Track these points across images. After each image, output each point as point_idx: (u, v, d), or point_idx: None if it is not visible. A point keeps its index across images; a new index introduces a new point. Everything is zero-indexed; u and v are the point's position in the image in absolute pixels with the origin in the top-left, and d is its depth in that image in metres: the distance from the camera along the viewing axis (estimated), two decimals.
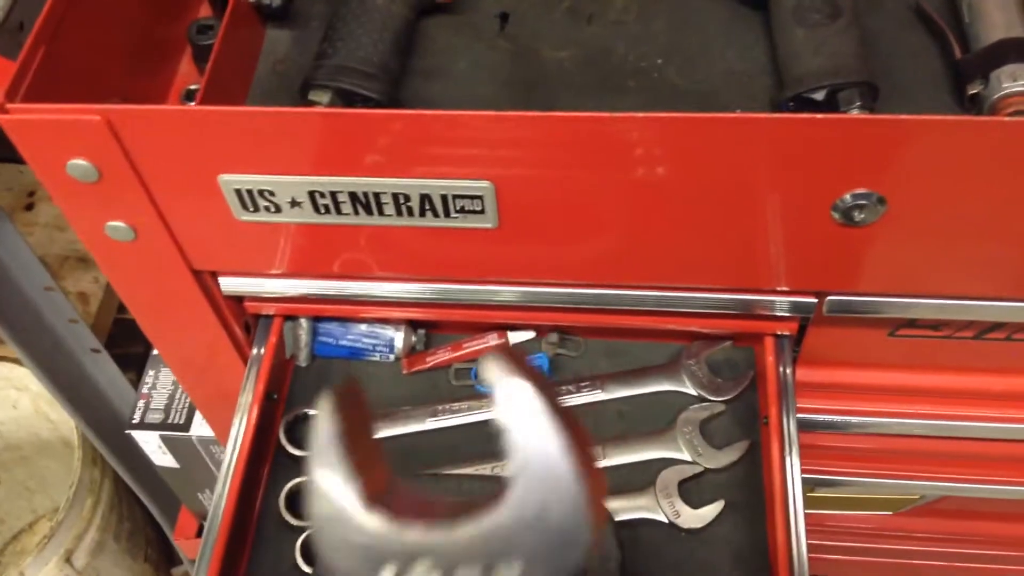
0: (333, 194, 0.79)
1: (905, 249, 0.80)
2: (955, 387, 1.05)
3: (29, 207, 1.93)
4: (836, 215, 0.76)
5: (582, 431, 0.39)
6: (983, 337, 0.94)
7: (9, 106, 0.72)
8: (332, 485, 0.39)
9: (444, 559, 0.39)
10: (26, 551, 1.69)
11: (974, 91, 0.85)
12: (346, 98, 0.87)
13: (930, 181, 0.73)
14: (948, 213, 0.76)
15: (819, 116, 0.69)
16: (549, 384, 0.39)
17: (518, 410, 0.39)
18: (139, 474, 1.74)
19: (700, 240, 0.83)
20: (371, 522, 0.39)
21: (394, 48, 0.90)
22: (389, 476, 0.42)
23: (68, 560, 1.74)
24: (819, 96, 0.84)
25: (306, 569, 0.91)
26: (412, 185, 0.77)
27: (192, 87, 0.94)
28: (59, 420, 1.95)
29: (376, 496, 0.40)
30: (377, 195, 0.78)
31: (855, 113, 0.81)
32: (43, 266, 1.38)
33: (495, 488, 0.41)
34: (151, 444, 1.37)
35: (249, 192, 0.79)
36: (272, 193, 0.79)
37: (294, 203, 0.80)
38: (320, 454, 0.40)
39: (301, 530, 0.94)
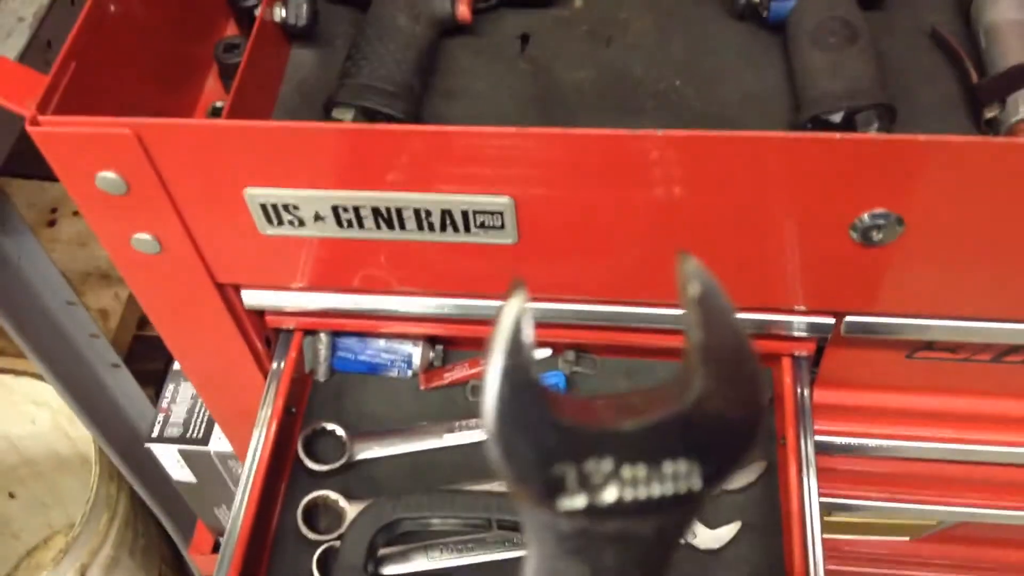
0: (356, 209, 0.80)
1: (923, 270, 0.80)
2: (973, 411, 1.04)
3: (52, 223, 1.96)
4: (854, 235, 0.76)
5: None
6: (1001, 360, 0.94)
7: (41, 118, 0.74)
8: (517, 370, 0.37)
9: (614, 458, 0.38)
10: (41, 566, 1.70)
11: (991, 115, 0.86)
12: (369, 116, 0.88)
13: (948, 202, 0.74)
14: (966, 234, 0.77)
15: (837, 136, 0.70)
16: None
17: (712, 303, 0.39)
18: (155, 490, 1.75)
19: (718, 259, 0.83)
20: (549, 408, 0.38)
21: (416, 68, 0.92)
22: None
23: (83, 575, 1.74)
24: (837, 118, 0.85)
25: None
26: (434, 200, 0.78)
27: (218, 104, 0.96)
28: (78, 436, 1.96)
29: (550, 398, 0.38)
30: (399, 210, 0.80)
31: (873, 134, 0.81)
32: (66, 281, 1.40)
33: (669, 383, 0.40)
34: (169, 458, 1.38)
35: (274, 206, 0.80)
36: (296, 207, 0.80)
37: (318, 217, 0.81)
38: (509, 337, 0.37)
39: (318, 545, 0.94)
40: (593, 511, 0.38)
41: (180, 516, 1.80)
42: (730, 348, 0.39)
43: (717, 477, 0.38)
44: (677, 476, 0.38)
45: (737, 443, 0.39)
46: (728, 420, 0.39)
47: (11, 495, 2.14)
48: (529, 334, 0.37)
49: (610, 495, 0.38)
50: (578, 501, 0.38)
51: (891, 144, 0.70)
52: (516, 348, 0.37)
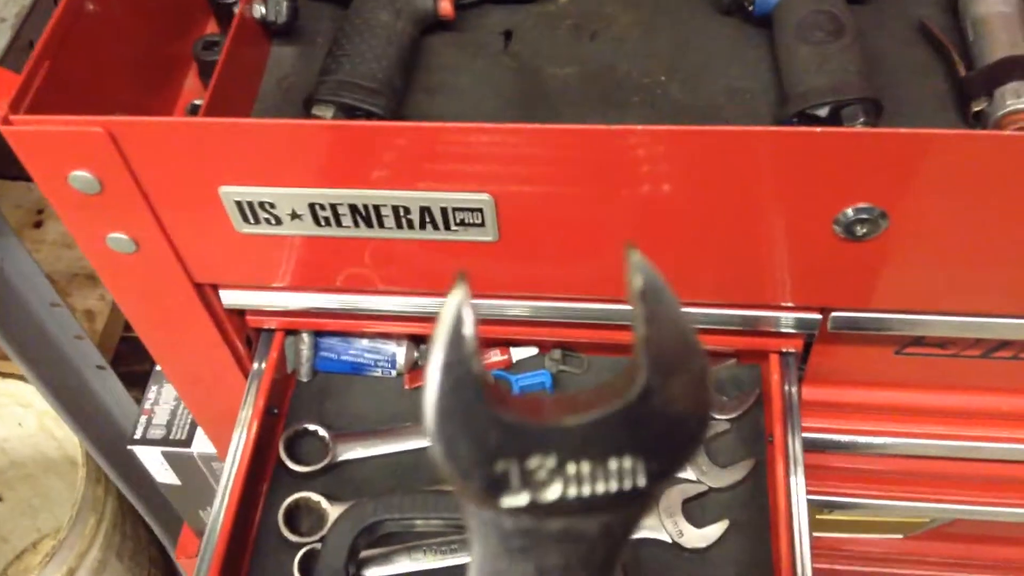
0: (333, 207, 0.79)
1: (909, 265, 0.79)
2: (964, 407, 1.03)
3: (38, 224, 1.95)
4: (838, 229, 0.75)
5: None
6: (991, 356, 0.93)
7: (12, 117, 0.73)
8: (459, 365, 0.36)
9: (558, 455, 0.37)
10: (29, 570, 1.68)
11: (978, 108, 0.85)
12: (349, 113, 0.87)
13: (933, 196, 0.73)
14: (952, 229, 0.76)
15: (820, 129, 0.69)
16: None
17: (655, 296, 0.38)
18: (142, 492, 1.74)
19: (703, 254, 0.82)
20: (491, 404, 0.37)
21: (398, 64, 0.91)
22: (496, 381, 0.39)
23: None
24: (823, 112, 0.84)
25: None
26: (412, 198, 0.77)
27: (197, 102, 0.94)
28: (64, 438, 1.94)
29: (492, 392, 0.37)
30: (377, 208, 0.78)
31: (858, 128, 0.80)
32: (50, 283, 1.38)
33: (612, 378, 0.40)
34: (153, 460, 1.36)
35: (250, 204, 0.79)
36: (272, 205, 0.79)
37: (294, 215, 0.80)
38: (449, 331, 0.36)
39: (300, 547, 0.93)
40: (536, 508, 0.37)
41: (168, 519, 1.79)
42: (674, 342, 0.38)
43: (662, 474, 0.38)
44: (622, 473, 0.37)
45: (683, 440, 0.38)
46: (673, 416, 0.38)
47: None
48: (470, 328, 0.36)
49: (554, 492, 0.37)
50: (521, 498, 0.37)
51: (876, 138, 0.70)
52: (456, 342, 0.36)
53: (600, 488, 0.37)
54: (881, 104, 0.84)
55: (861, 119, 0.83)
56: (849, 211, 0.74)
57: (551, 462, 0.37)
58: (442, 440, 0.37)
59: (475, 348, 0.37)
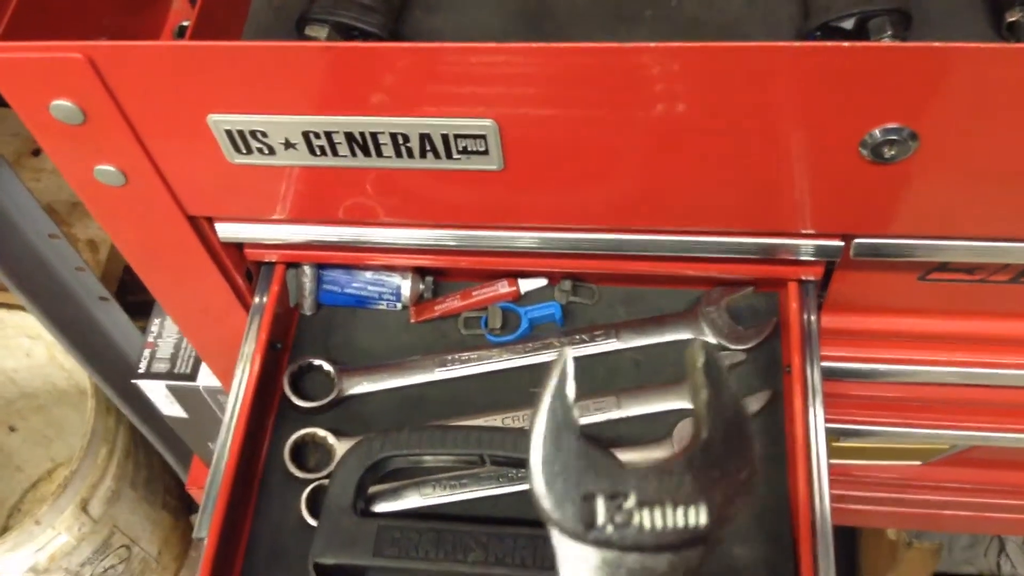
0: (328, 135, 0.75)
1: (938, 188, 0.76)
2: (988, 333, 1.01)
3: (36, 153, 1.91)
4: (865, 152, 0.71)
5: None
6: (1019, 280, 0.90)
7: None
8: (564, 412, 0.46)
9: (638, 497, 0.46)
10: (45, 499, 1.70)
11: (1013, 19, 0.80)
12: (345, 33, 0.82)
13: (966, 114, 0.69)
14: (984, 149, 0.72)
15: (847, 44, 0.65)
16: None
17: (717, 378, 0.48)
18: (153, 423, 1.74)
19: (721, 180, 0.78)
20: (586, 449, 0.46)
21: None
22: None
23: (84, 508, 1.74)
24: (848, 25, 0.79)
25: (312, 522, 0.89)
26: (411, 124, 0.73)
27: (184, 23, 0.90)
28: (73, 369, 1.94)
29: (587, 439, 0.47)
30: (375, 135, 0.74)
31: (886, 42, 0.75)
32: (47, 213, 1.35)
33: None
34: (158, 394, 1.35)
35: (240, 133, 0.75)
36: (265, 134, 0.75)
37: (288, 145, 0.76)
38: (560, 386, 0.47)
39: (307, 483, 0.91)
40: (617, 543, 0.45)
41: (180, 448, 1.79)
42: (730, 407, 0.48)
43: (720, 519, 0.46)
44: (687, 514, 0.45)
45: (735, 486, 0.46)
46: (728, 466, 0.46)
47: (11, 428, 2.15)
48: (572, 385, 0.47)
49: (633, 528, 0.45)
50: (606, 532, 0.45)
51: (905, 52, 0.65)
52: (561, 393, 0.47)
53: (670, 525, 0.45)
54: (910, 15, 0.79)
55: (889, 32, 0.78)
56: (877, 132, 0.70)
57: (631, 502, 0.45)
58: (543, 475, 0.45)
59: (574, 400, 0.47)
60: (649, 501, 0.45)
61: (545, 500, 0.45)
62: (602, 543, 0.45)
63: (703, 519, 0.45)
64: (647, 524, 0.45)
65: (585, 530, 0.45)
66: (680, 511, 0.45)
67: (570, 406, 0.46)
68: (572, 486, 0.45)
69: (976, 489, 1.42)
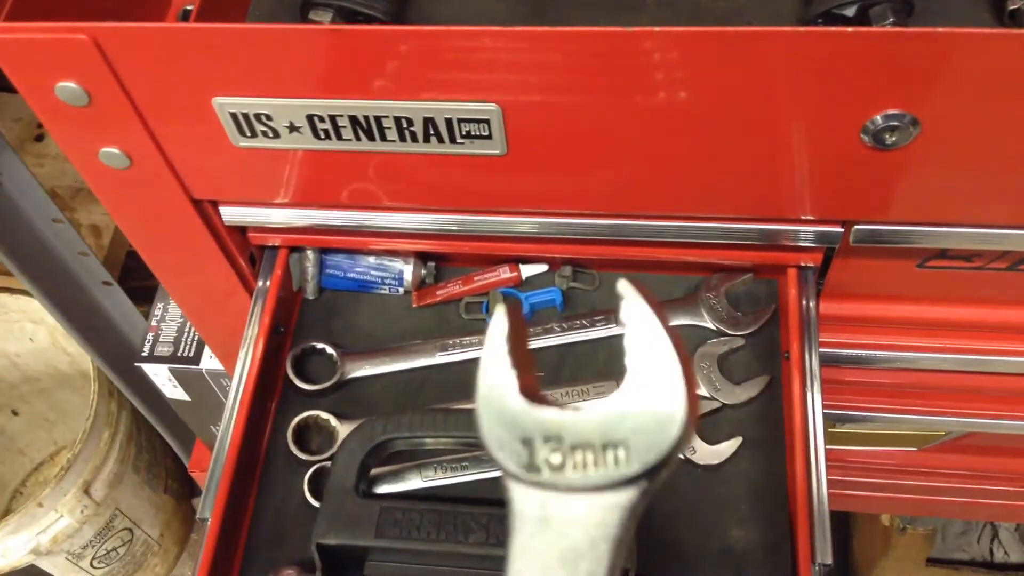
0: (333, 118, 0.75)
1: (938, 174, 0.76)
2: (985, 320, 1.01)
3: (39, 138, 1.91)
4: (866, 138, 0.72)
5: (683, 347, 0.48)
6: (1017, 268, 0.90)
7: None
8: (499, 368, 0.48)
9: (569, 441, 0.47)
10: (48, 482, 1.71)
11: (1015, 6, 0.80)
12: (349, 17, 0.82)
13: (967, 101, 0.69)
14: (985, 135, 0.72)
15: (849, 30, 0.65)
16: (662, 307, 0.49)
17: (640, 317, 0.48)
18: (155, 407, 1.75)
19: (721, 166, 0.79)
20: (521, 402, 0.47)
21: None
22: (537, 381, 0.50)
23: (87, 491, 1.75)
24: (849, 12, 0.79)
25: (314, 503, 0.90)
26: (415, 108, 0.74)
27: (189, 7, 0.90)
28: (76, 353, 1.95)
29: (527, 389, 0.48)
30: (379, 119, 0.75)
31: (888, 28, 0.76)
32: (51, 198, 1.36)
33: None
34: (161, 377, 1.36)
35: (245, 116, 0.76)
36: (269, 117, 0.76)
37: (293, 128, 0.76)
38: (493, 344, 0.49)
39: (309, 464, 0.92)
40: (553, 483, 0.46)
41: (182, 431, 1.80)
42: (653, 349, 0.47)
43: (649, 467, 0.45)
44: (618, 461, 0.46)
45: (664, 437, 0.46)
46: (658, 414, 0.46)
47: (14, 412, 2.15)
48: (505, 331, 0.49)
49: (569, 473, 0.46)
50: (544, 475, 0.46)
51: (907, 38, 0.65)
52: (505, 349, 0.48)
53: (600, 467, 0.46)
54: (911, 3, 0.79)
55: (890, 19, 0.78)
56: (878, 118, 0.70)
57: (566, 444, 0.46)
58: (485, 421, 0.48)
59: (514, 357, 0.48)
60: (582, 444, 0.46)
61: (488, 444, 0.47)
62: (542, 485, 0.46)
63: (634, 468, 0.45)
64: (580, 465, 0.46)
65: (525, 471, 0.46)
66: (611, 460, 0.46)
67: (509, 363, 0.48)
68: (513, 429, 0.47)
69: (971, 475, 1.43)
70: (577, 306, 1.02)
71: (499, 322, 0.49)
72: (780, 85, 0.70)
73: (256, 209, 0.91)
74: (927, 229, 0.83)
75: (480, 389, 0.48)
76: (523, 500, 0.47)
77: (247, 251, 0.98)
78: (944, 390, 1.15)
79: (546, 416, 0.47)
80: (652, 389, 0.46)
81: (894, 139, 0.71)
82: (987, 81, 0.67)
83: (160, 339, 1.35)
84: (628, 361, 0.47)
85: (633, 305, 0.49)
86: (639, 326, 0.48)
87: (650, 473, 0.46)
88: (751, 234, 0.88)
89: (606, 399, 0.47)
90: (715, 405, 0.94)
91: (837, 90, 0.69)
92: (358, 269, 1.02)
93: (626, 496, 0.46)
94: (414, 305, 1.03)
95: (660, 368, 0.47)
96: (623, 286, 0.49)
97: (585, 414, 0.47)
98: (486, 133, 0.75)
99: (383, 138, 0.77)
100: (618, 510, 0.46)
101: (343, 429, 0.93)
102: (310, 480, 0.91)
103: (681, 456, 0.90)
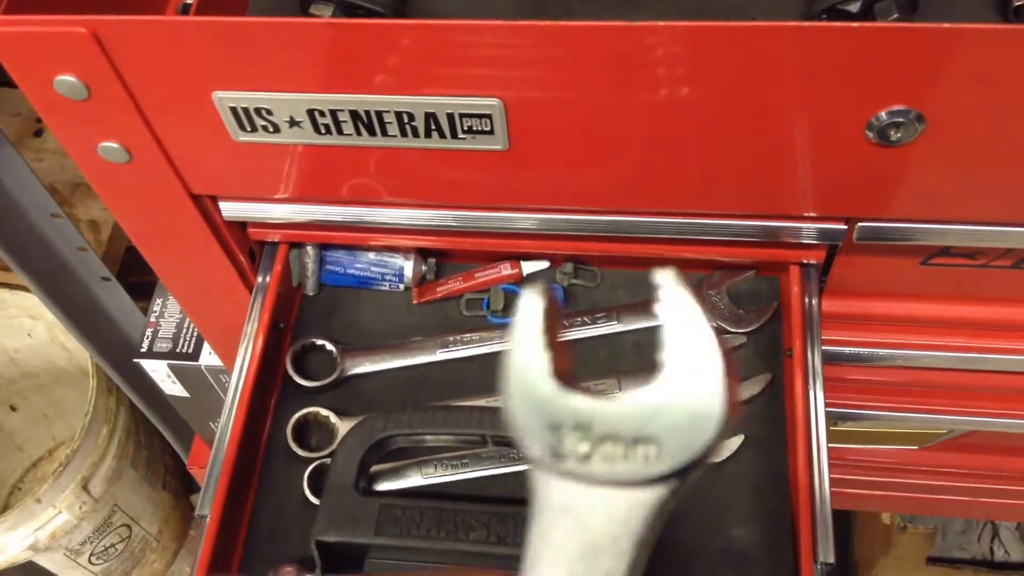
0: (333, 113, 0.75)
1: (943, 171, 0.75)
2: (989, 318, 1.01)
3: (38, 133, 1.90)
4: (870, 134, 0.71)
5: (726, 344, 0.45)
6: (1022, 266, 0.90)
7: None
8: (532, 347, 0.46)
9: (599, 431, 0.44)
10: (46, 478, 1.70)
11: (1020, 3, 0.79)
12: (349, 11, 0.82)
13: (973, 97, 0.68)
14: (991, 132, 0.72)
15: (854, 25, 0.64)
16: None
17: (680, 309, 0.45)
18: (154, 403, 1.74)
19: (724, 163, 0.78)
20: (552, 385, 0.45)
21: None
22: (571, 367, 0.48)
23: (85, 487, 1.75)
24: (854, 8, 0.78)
25: (314, 500, 0.90)
26: (417, 103, 0.73)
27: (188, 1, 0.89)
28: (74, 348, 1.95)
29: (560, 372, 0.46)
30: (380, 114, 0.74)
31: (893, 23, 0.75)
32: (50, 193, 1.35)
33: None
34: (160, 373, 1.35)
35: (245, 110, 0.75)
36: (270, 112, 0.75)
37: (293, 122, 0.76)
38: (526, 322, 0.46)
39: (309, 461, 0.92)
40: (580, 473, 0.44)
41: (181, 428, 1.79)
42: (695, 342, 0.45)
43: (681, 465, 0.44)
44: (648, 457, 0.44)
45: (699, 435, 0.44)
46: (693, 411, 0.43)
47: (12, 408, 2.15)
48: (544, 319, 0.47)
49: (596, 465, 0.44)
50: (569, 465, 0.44)
51: (913, 34, 0.65)
52: (538, 329, 0.46)
53: (628, 467, 0.44)
54: None
55: (895, 15, 0.77)
56: (883, 114, 0.69)
57: (595, 434, 0.44)
58: (511, 402, 0.46)
59: (546, 338, 0.46)
60: (612, 436, 0.44)
61: (515, 426, 0.45)
62: (566, 474, 0.44)
63: (663, 467, 0.43)
64: (607, 458, 0.44)
65: (550, 458, 0.44)
66: (640, 456, 0.43)
67: (541, 344, 0.45)
68: (541, 414, 0.45)
69: (972, 474, 1.43)
70: (578, 303, 1.02)
71: (533, 301, 0.47)
72: (784, 81, 0.69)
73: (256, 204, 0.90)
74: (931, 226, 0.83)
75: (511, 368, 0.45)
76: (545, 487, 0.45)
77: (247, 247, 0.98)
78: (946, 388, 1.14)
79: (578, 403, 0.45)
80: (691, 386, 0.44)
81: (899, 135, 0.71)
82: (992, 77, 0.67)
83: (159, 335, 1.34)
84: (666, 354, 0.45)
85: (674, 295, 0.46)
86: (680, 318, 0.45)
87: (680, 474, 0.44)
88: (753, 231, 0.87)
89: (641, 390, 0.44)
90: None
91: (841, 86, 0.68)
92: (358, 265, 1.01)
93: (653, 495, 0.44)
94: (415, 302, 1.02)
95: (701, 364, 0.44)
96: (662, 275, 0.46)
97: (618, 405, 0.45)
98: (488, 128, 0.74)
99: (384, 133, 0.76)
100: (643, 508, 0.44)
101: (343, 426, 0.93)
102: (310, 477, 0.91)
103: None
